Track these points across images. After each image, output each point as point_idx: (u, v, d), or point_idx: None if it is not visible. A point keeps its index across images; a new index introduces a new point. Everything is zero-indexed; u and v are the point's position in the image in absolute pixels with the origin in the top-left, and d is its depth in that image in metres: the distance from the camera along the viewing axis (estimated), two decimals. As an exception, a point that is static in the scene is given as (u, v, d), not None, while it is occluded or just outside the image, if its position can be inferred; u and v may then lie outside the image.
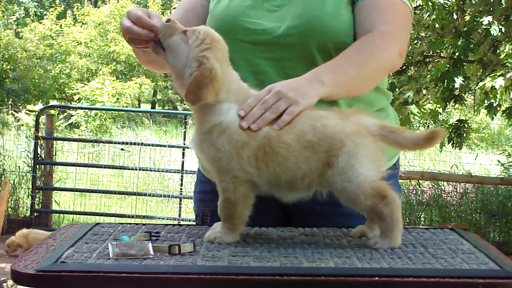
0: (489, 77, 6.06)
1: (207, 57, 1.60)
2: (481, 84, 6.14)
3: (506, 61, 6.04)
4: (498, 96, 5.99)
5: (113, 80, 17.86)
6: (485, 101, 6.54)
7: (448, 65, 6.58)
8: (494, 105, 6.24)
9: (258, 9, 1.95)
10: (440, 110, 6.81)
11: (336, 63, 1.76)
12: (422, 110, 6.45)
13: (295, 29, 1.89)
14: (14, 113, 15.07)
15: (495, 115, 6.84)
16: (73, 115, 14.55)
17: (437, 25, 6.56)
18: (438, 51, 7.13)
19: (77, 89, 16.34)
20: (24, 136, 9.60)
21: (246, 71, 1.87)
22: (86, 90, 16.01)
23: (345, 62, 1.77)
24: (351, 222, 1.83)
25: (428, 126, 9.63)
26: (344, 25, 1.90)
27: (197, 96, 1.59)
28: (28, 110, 13.25)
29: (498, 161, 10.46)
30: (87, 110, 14.47)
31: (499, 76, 5.96)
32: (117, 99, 17.46)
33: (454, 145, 7.30)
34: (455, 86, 6.57)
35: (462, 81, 6.65)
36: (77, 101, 16.16)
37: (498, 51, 6.48)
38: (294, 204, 1.72)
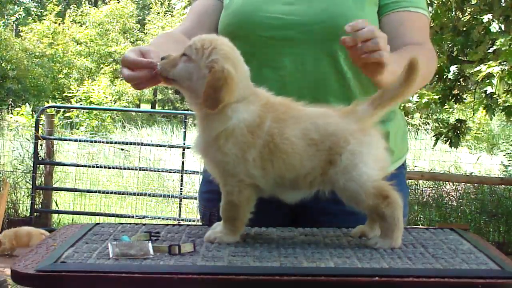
0: (485, 64, 6.03)
1: (215, 60, 1.58)
2: (477, 69, 6.09)
3: (504, 57, 6.00)
4: (495, 82, 5.94)
5: (110, 80, 17.90)
6: (481, 89, 6.50)
7: (445, 61, 6.58)
8: (489, 92, 6.18)
9: (274, 3, 1.93)
10: (436, 97, 6.79)
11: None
12: (416, 101, 6.46)
13: (318, 24, 1.88)
14: (11, 114, 15.13)
15: (494, 115, 6.82)
16: (66, 116, 14.60)
17: (434, 21, 6.56)
18: (437, 51, 7.14)
19: (76, 90, 16.36)
20: (23, 135, 9.59)
21: (265, 66, 1.87)
22: (81, 91, 16.05)
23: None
24: (360, 221, 1.81)
25: (427, 123, 9.64)
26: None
27: (216, 100, 1.57)
28: (18, 114, 13.32)
29: (501, 162, 10.46)
30: (83, 111, 14.52)
31: (495, 66, 5.93)
32: (119, 98, 17.48)
33: (451, 144, 7.31)
34: (451, 78, 6.56)
35: (460, 77, 6.64)
36: (76, 102, 16.21)
37: (495, 46, 6.46)
38: (302, 203, 1.72)
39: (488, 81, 6.00)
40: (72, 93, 16.53)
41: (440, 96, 6.87)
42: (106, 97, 16.37)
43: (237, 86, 1.59)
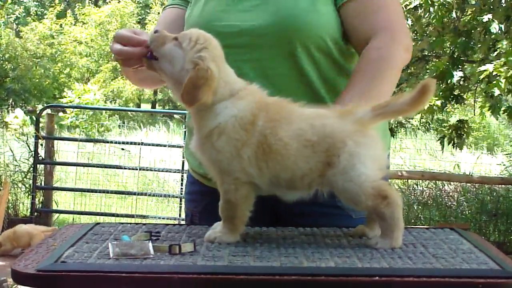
0: (491, 64, 6.01)
1: (202, 58, 1.59)
2: (483, 68, 6.06)
3: (504, 58, 6.00)
4: (501, 82, 5.90)
5: (108, 81, 17.91)
6: (485, 92, 6.47)
7: (447, 63, 6.58)
8: (496, 94, 6.15)
9: (231, 12, 1.94)
10: (439, 103, 6.78)
11: (360, 90, 1.77)
12: None
13: (270, 28, 1.88)
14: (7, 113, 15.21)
15: (499, 115, 6.80)
16: (63, 118, 14.65)
17: (435, 23, 6.56)
18: (437, 52, 7.14)
19: (74, 92, 16.39)
20: (23, 135, 9.60)
21: None
22: (77, 91, 16.08)
23: (367, 87, 1.79)
24: (341, 222, 1.85)
25: (429, 124, 9.65)
26: (320, 20, 1.88)
27: (193, 97, 1.58)
28: (12, 119, 13.41)
29: (502, 162, 10.46)
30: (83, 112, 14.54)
31: (502, 66, 5.91)
32: (117, 96, 17.44)
33: (454, 145, 7.30)
34: (454, 82, 6.55)
35: (461, 77, 6.63)
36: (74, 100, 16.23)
37: (496, 48, 6.46)
38: (284, 205, 1.72)
39: (494, 82, 5.98)
40: (68, 97, 16.51)
41: (442, 98, 6.87)
42: (98, 100, 16.38)
43: (218, 86, 1.60)
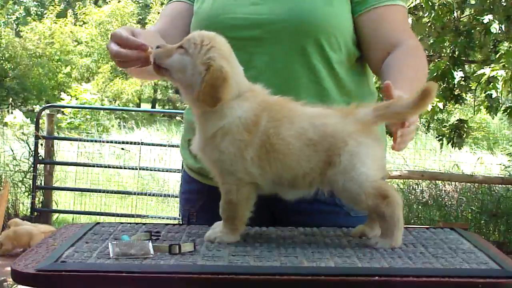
0: (490, 67, 6.03)
1: (213, 58, 1.59)
2: (481, 72, 6.08)
3: (504, 60, 6.01)
4: (499, 86, 5.93)
5: (107, 82, 17.90)
6: (485, 92, 6.49)
7: (448, 63, 6.58)
8: (494, 96, 6.18)
9: (243, 4, 1.93)
10: (441, 105, 6.79)
11: (410, 85, 1.76)
12: None
13: (283, 21, 1.87)
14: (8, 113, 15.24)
15: (496, 115, 6.82)
16: (61, 120, 14.69)
17: (435, 23, 6.57)
18: (438, 52, 7.13)
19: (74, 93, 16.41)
20: (23, 134, 9.59)
21: None
22: (73, 92, 16.10)
23: (412, 83, 1.79)
24: (340, 220, 1.86)
25: (429, 125, 9.65)
26: (334, 18, 1.89)
27: (215, 98, 1.58)
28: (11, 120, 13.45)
29: (501, 163, 10.45)
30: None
31: (501, 68, 5.93)
32: (118, 97, 17.44)
33: (454, 145, 7.30)
34: (454, 83, 6.56)
35: (462, 77, 6.64)
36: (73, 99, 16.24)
37: (498, 49, 6.47)
38: (282, 203, 1.73)
39: (492, 84, 6.00)
40: (63, 100, 16.53)
41: (442, 98, 6.87)
42: (94, 100, 16.40)
43: (233, 84, 1.60)
